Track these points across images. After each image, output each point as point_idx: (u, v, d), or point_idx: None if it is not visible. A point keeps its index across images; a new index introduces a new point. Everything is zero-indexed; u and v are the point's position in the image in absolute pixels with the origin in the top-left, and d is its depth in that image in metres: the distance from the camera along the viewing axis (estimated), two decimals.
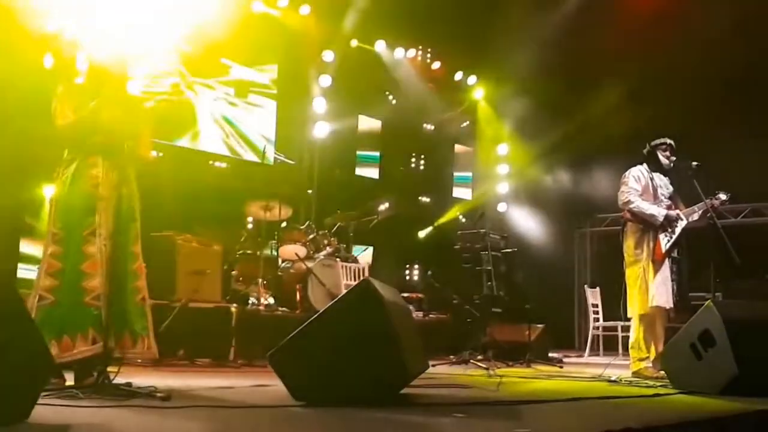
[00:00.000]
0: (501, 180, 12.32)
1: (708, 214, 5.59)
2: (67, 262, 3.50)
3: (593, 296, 9.27)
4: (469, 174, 12.57)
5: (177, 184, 8.34)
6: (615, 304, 7.04)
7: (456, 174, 12.43)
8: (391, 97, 11.00)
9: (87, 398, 2.88)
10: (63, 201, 3.61)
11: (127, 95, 3.72)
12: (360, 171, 10.91)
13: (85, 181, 3.60)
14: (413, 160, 11.91)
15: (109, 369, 3.17)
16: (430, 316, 8.58)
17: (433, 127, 11.82)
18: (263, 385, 3.84)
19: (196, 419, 2.52)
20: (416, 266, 11.21)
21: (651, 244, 5.55)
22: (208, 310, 5.78)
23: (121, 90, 3.68)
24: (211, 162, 8.92)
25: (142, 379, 3.49)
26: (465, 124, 12.10)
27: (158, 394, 3.04)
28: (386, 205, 9.52)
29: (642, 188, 5.65)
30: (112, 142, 3.60)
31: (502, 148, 12.35)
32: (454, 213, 11.38)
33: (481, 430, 2.29)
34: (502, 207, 12.14)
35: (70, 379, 3.45)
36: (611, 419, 2.13)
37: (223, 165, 9.03)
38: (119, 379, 3.17)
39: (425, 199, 11.84)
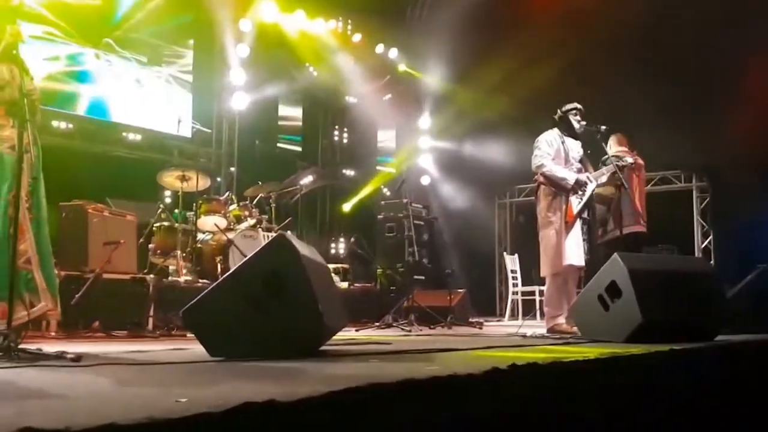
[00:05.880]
0: (423, 152, 12.46)
1: (616, 176, 5.82)
2: None
3: (512, 263, 9.54)
4: (392, 146, 12.65)
5: (89, 156, 8.07)
6: (533, 270, 7.28)
7: (379, 146, 12.50)
8: (312, 69, 10.91)
9: None
10: None
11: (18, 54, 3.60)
12: (282, 143, 10.82)
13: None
14: (336, 132, 11.90)
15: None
16: (355, 285, 8.65)
17: (355, 100, 11.81)
18: (181, 348, 3.80)
19: (106, 375, 2.47)
20: (341, 238, 11.26)
21: (563, 207, 5.72)
22: (123, 281, 5.63)
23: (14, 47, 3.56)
24: (124, 133, 8.65)
25: (53, 347, 3.38)
26: (387, 97, 12.15)
27: (68, 356, 2.95)
28: (310, 178, 9.46)
29: (554, 152, 5.81)
30: (12, 97, 3.47)
31: (425, 121, 12.47)
32: (376, 184, 11.45)
33: (391, 371, 2.35)
34: (425, 180, 12.29)
35: None
36: (516, 360, 2.22)
37: (138, 137, 8.76)
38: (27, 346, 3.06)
39: (348, 172, 11.86)
